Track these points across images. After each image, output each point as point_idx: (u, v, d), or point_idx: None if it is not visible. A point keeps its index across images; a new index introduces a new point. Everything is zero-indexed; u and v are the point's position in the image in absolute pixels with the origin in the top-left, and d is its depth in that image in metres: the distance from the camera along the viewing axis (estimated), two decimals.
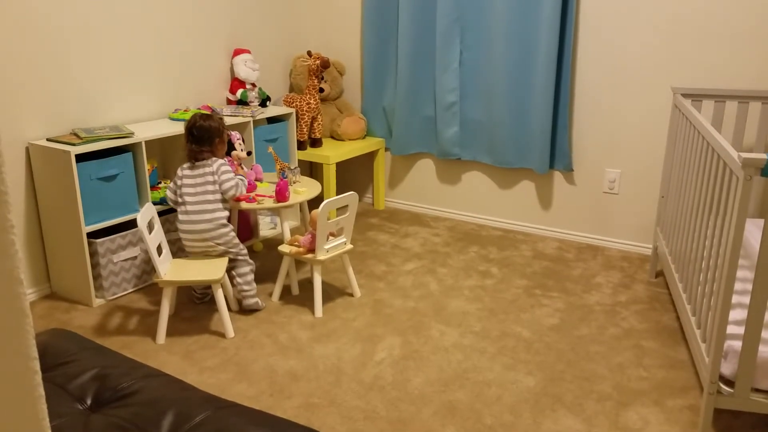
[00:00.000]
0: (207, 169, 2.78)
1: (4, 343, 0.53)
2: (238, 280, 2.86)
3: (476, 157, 3.92)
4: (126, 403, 1.45)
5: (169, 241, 3.14)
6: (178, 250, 3.29)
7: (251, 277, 2.88)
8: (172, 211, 3.23)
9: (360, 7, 4.11)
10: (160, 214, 3.06)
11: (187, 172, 2.80)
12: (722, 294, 1.91)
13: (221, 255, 2.81)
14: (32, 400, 0.56)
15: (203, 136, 2.78)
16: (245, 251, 2.89)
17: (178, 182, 2.79)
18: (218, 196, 2.78)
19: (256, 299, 2.88)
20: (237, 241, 2.86)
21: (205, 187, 2.77)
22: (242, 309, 2.89)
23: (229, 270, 2.85)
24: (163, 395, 1.47)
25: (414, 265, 3.40)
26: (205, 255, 2.82)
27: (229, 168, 2.82)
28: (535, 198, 3.85)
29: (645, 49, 3.32)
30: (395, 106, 4.03)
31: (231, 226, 2.82)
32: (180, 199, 2.78)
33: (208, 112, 2.91)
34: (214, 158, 2.81)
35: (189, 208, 2.75)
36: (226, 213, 2.81)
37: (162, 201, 3.14)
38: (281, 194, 2.97)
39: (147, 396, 1.47)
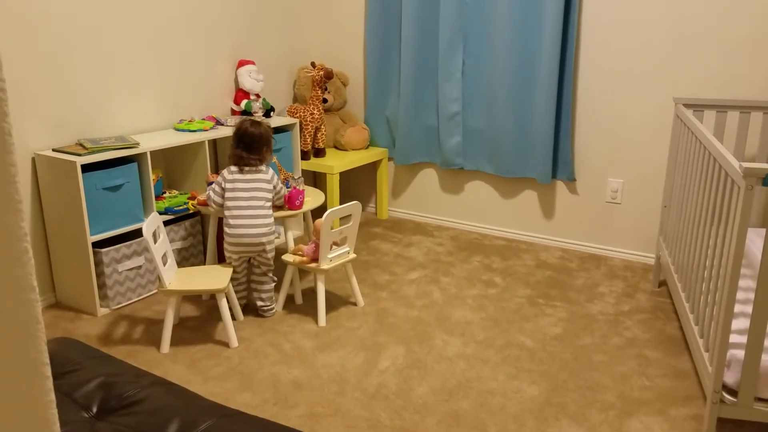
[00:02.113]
0: (262, 176, 2.83)
1: (17, 348, 0.54)
2: (263, 296, 2.94)
3: (479, 166, 3.93)
4: (131, 412, 1.46)
5: (174, 251, 3.15)
6: (183, 260, 3.31)
7: (273, 293, 2.98)
8: (177, 220, 3.26)
9: (363, 19, 4.15)
10: (165, 223, 3.08)
11: (239, 176, 2.81)
12: (725, 303, 1.92)
13: (258, 264, 2.90)
14: (43, 405, 0.57)
15: (253, 144, 2.82)
16: (273, 266, 2.96)
17: (228, 186, 2.80)
18: (270, 203, 2.84)
19: (274, 311, 2.98)
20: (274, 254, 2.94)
21: (260, 193, 2.81)
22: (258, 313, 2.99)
23: (251, 282, 2.96)
24: (168, 403, 1.48)
25: (417, 275, 3.41)
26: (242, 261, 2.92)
27: (278, 178, 2.93)
28: (537, 207, 3.86)
29: (647, 60, 3.34)
30: (398, 116, 4.06)
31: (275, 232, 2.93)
32: (230, 203, 2.80)
33: (257, 119, 2.98)
34: (264, 165, 2.86)
35: (245, 212, 2.78)
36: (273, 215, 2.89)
37: (167, 210, 3.16)
38: (291, 202, 2.97)
39: (152, 404, 1.48)
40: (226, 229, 2.82)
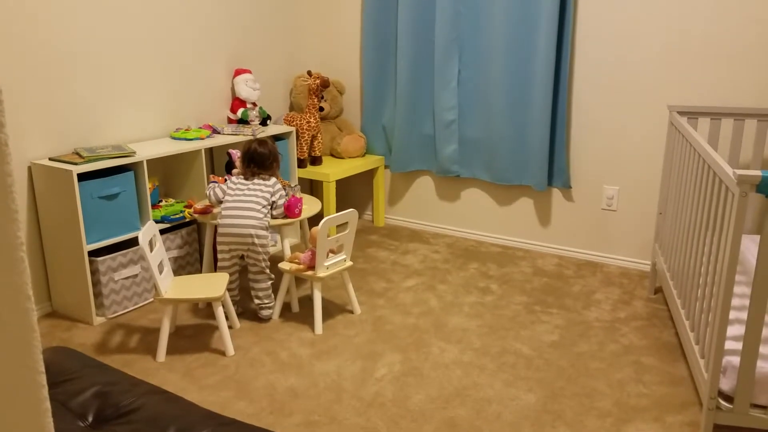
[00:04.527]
0: (264, 182, 2.95)
1: (13, 356, 0.55)
2: (260, 293, 2.97)
3: (475, 174, 3.94)
4: (127, 420, 1.46)
5: (170, 259, 3.15)
6: (179, 268, 3.31)
7: (271, 291, 3.00)
8: (173, 229, 3.26)
9: (359, 27, 4.16)
10: (162, 232, 3.08)
11: (242, 180, 2.96)
12: (720, 310, 1.93)
13: (253, 263, 2.92)
14: (39, 414, 0.57)
15: (264, 162, 2.96)
16: (269, 263, 2.98)
17: (230, 185, 2.94)
18: (266, 204, 2.91)
19: (271, 311, 3.00)
20: (270, 251, 2.98)
21: (256, 193, 2.91)
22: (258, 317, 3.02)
23: (248, 281, 2.99)
24: (164, 412, 1.48)
25: (414, 282, 3.41)
26: (235, 263, 2.97)
27: (282, 187, 3.02)
28: (534, 215, 3.87)
29: (641, 67, 3.36)
30: (394, 124, 4.07)
31: (269, 236, 2.97)
32: (228, 198, 2.90)
33: (262, 138, 3.10)
34: (271, 176, 3.00)
35: (238, 205, 2.87)
36: (269, 219, 2.93)
37: (164, 219, 3.16)
38: (290, 210, 2.97)
39: (148, 413, 1.47)
40: (218, 221, 2.89)
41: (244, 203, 2.87)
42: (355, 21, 4.18)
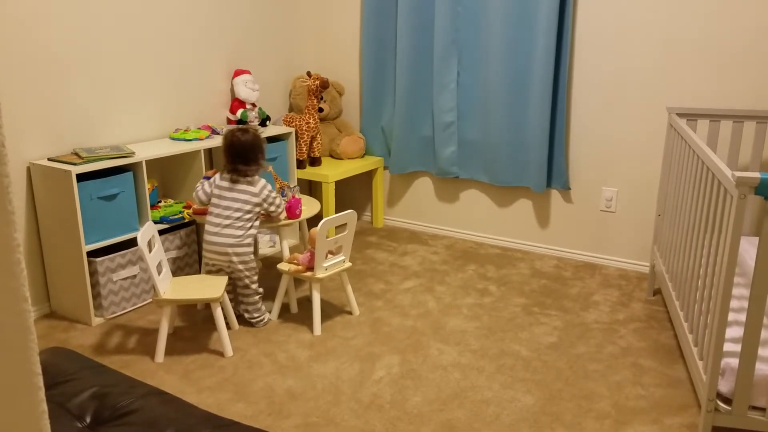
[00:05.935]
0: (249, 189, 2.79)
1: (9, 358, 0.54)
2: (249, 308, 2.91)
3: (474, 175, 3.94)
4: (125, 422, 1.45)
5: (169, 260, 3.15)
6: (178, 269, 3.30)
7: (260, 304, 2.94)
8: (172, 230, 3.25)
9: (359, 29, 4.17)
10: (160, 232, 3.07)
11: (226, 185, 2.80)
12: (718, 312, 1.93)
13: (237, 278, 2.86)
14: (36, 416, 0.57)
15: (248, 154, 2.77)
16: (257, 277, 2.91)
17: (215, 191, 2.81)
18: (252, 216, 2.80)
19: (263, 320, 2.94)
20: (254, 265, 2.89)
21: (241, 205, 2.78)
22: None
23: (236, 294, 2.93)
24: (163, 414, 1.48)
25: (412, 284, 3.41)
26: (220, 272, 2.88)
27: (272, 189, 2.87)
28: (532, 216, 3.87)
29: (640, 69, 3.36)
30: (393, 125, 4.07)
31: (253, 249, 2.87)
32: (212, 209, 2.81)
33: (244, 127, 2.91)
34: (257, 177, 2.82)
35: (218, 220, 2.79)
36: (254, 233, 2.84)
37: (162, 219, 3.16)
38: (291, 211, 2.97)
39: (146, 415, 1.47)
40: (204, 235, 2.84)
41: (222, 219, 2.76)
42: (355, 22, 4.18)
